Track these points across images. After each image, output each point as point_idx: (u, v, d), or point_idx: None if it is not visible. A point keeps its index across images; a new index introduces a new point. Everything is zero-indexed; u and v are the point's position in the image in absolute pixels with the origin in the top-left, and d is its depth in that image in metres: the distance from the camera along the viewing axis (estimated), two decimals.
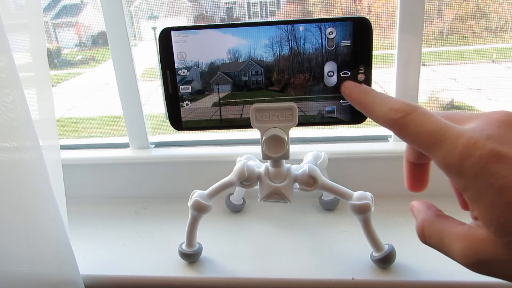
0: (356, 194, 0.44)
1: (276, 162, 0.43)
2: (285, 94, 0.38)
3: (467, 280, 0.42)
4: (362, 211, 0.43)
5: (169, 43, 0.37)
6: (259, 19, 0.74)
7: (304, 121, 0.39)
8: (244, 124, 0.39)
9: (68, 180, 0.48)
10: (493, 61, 0.70)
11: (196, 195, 0.46)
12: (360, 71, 0.36)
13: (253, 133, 0.64)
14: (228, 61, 0.37)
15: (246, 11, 0.73)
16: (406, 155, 0.28)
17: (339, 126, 0.65)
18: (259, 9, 0.73)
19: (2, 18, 0.35)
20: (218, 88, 0.39)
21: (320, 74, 0.37)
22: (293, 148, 0.48)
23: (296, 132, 0.64)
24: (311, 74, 0.37)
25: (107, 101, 0.83)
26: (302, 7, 0.68)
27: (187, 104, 0.39)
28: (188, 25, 0.49)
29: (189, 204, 0.46)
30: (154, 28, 0.69)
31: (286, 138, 0.39)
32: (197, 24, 0.46)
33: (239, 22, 0.37)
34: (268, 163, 0.44)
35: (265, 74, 0.38)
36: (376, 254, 0.45)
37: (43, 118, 0.44)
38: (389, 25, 0.62)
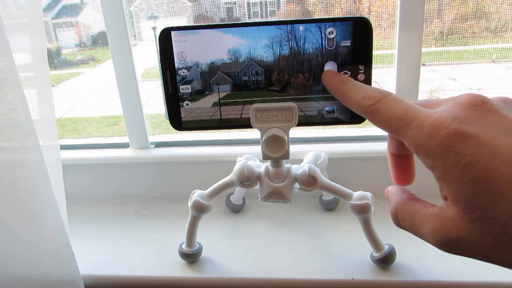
0: (356, 194, 0.44)
1: (276, 162, 0.43)
2: (285, 94, 0.38)
3: (467, 280, 0.42)
4: (362, 211, 0.43)
5: (169, 43, 0.37)
6: (259, 19, 0.74)
7: (304, 121, 0.39)
8: (244, 124, 0.39)
9: (68, 180, 0.48)
10: (493, 61, 0.70)
11: (196, 195, 0.46)
12: (360, 71, 0.36)
13: (253, 133, 0.64)
14: (228, 61, 0.37)
15: (246, 11, 0.73)
16: (388, 147, 0.29)
17: (339, 126, 0.65)
18: (259, 9, 0.73)
19: (2, 18, 0.35)
20: (218, 88, 0.39)
21: (320, 74, 0.37)
22: (293, 148, 0.48)
23: (296, 132, 0.64)
24: (311, 74, 0.37)
25: (107, 101, 0.83)
26: (302, 7, 0.68)
27: (187, 104, 0.39)
28: (188, 25, 0.49)
29: (189, 204, 0.46)
30: (154, 28, 0.69)
31: (286, 138, 0.39)
32: (197, 24, 0.46)
33: (239, 22, 0.37)
34: (268, 163, 0.44)
35: (265, 74, 0.38)
36: (376, 254, 0.45)
37: (43, 118, 0.44)
38: (389, 25, 0.62)
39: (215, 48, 0.37)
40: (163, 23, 0.65)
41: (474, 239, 0.20)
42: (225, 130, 0.41)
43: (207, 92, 0.39)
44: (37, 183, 0.40)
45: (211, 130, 0.48)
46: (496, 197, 0.19)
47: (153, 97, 0.75)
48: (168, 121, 0.41)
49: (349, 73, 0.36)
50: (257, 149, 0.60)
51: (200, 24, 0.42)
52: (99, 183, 0.67)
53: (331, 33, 0.36)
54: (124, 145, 0.68)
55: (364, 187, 0.47)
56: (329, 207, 0.58)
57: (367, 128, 0.67)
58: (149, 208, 0.63)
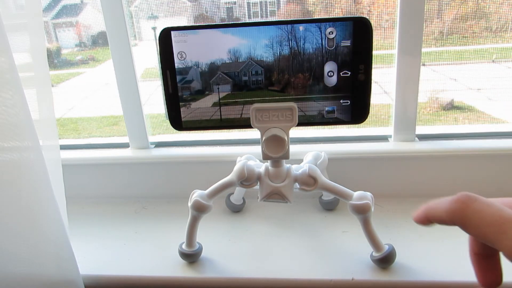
0: (356, 194, 0.44)
1: (276, 162, 0.43)
2: (285, 94, 0.38)
3: (467, 280, 0.42)
4: (362, 211, 0.43)
5: (169, 43, 0.37)
6: (259, 19, 0.74)
7: (304, 121, 0.39)
8: (244, 124, 0.39)
9: (68, 180, 0.48)
10: (493, 61, 0.70)
11: (196, 195, 0.46)
12: (360, 71, 0.36)
13: (253, 133, 0.64)
14: (228, 61, 0.37)
15: (246, 11, 0.73)
16: (471, 247, 0.27)
17: (339, 126, 0.65)
18: (259, 9, 0.73)
19: (2, 18, 0.35)
20: (218, 88, 0.39)
21: (320, 74, 0.37)
22: (293, 148, 0.48)
23: (296, 132, 0.64)
24: (311, 74, 0.37)
25: (107, 101, 0.83)
26: (302, 7, 0.68)
27: (187, 104, 0.39)
28: (188, 25, 0.49)
29: (189, 204, 0.46)
30: (154, 28, 0.69)
31: (286, 138, 0.39)
32: (197, 24, 0.46)
33: (239, 22, 0.37)
34: (268, 163, 0.44)
35: (265, 74, 0.38)
36: (376, 254, 0.45)
37: (43, 118, 0.44)
38: (389, 25, 0.62)
39: (215, 48, 0.37)
40: (163, 23, 0.65)
41: None
42: (225, 130, 0.41)
43: (207, 92, 0.39)
44: (37, 183, 0.40)
45: (211, 130, 0.48)
46: None
47: (153, 97, 0.75)
48: (168, 121, 0.41)
49: (349, 73, 0.36)
50: (257, 149, 0.60)
51: (200, 24, 0.42)
52: (99, 183, 0.67)
53: (331, 33, 0.36)
54: (124, 145, 0.68)
55: (364, 187, 0.47)
56: (329, 207, 0.58)
57: (367, 128, 0.67)
58: (149, 208, 0.63)
